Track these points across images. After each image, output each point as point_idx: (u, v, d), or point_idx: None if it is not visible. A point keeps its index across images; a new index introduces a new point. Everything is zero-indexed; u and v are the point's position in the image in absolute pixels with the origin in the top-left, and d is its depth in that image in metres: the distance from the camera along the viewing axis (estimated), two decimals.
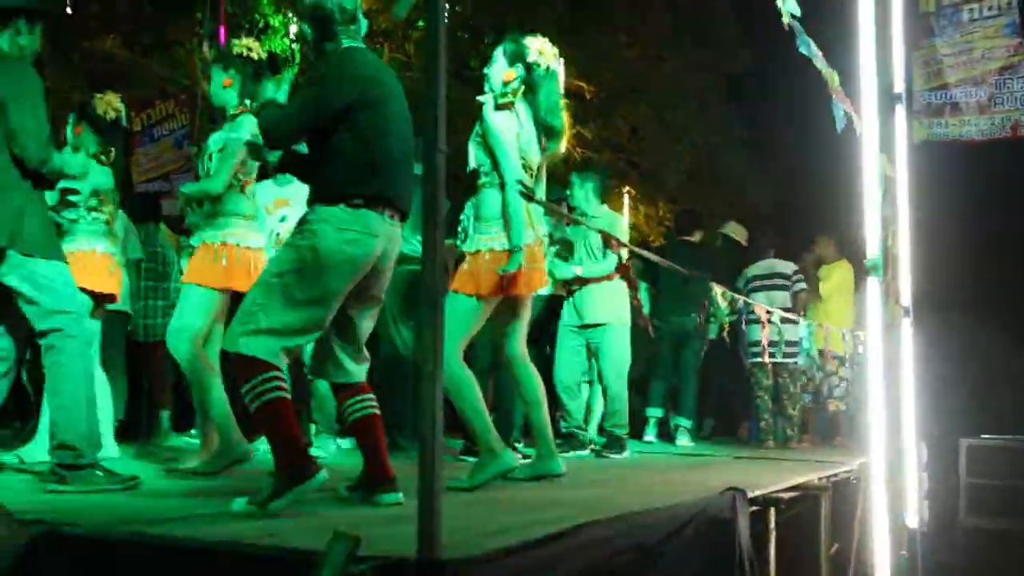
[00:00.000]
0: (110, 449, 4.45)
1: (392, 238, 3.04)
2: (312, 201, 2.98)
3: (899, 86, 4.75)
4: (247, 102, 4.13)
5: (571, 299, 5.77)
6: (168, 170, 10.09)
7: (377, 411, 3.14)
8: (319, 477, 2.78)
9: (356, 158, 2.93)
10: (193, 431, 6.51)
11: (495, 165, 3.77)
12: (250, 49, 4.26)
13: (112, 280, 4.52)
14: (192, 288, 4.13)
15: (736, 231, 7.88)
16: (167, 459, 4.72)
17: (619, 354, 5.72)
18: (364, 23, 3.11)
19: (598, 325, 5.69)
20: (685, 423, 6.86)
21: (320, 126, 2.94)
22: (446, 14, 1.90)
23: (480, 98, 3.88)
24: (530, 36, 3.94)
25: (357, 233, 2.90)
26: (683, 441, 6.73)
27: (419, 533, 1.83)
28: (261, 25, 10.04)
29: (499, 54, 3.93)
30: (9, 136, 3.29)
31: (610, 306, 5.72)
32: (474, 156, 3.85)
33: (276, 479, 2.77)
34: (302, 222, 2.97)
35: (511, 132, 3.77)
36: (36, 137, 3.31)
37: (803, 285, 7.08)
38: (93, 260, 4.42)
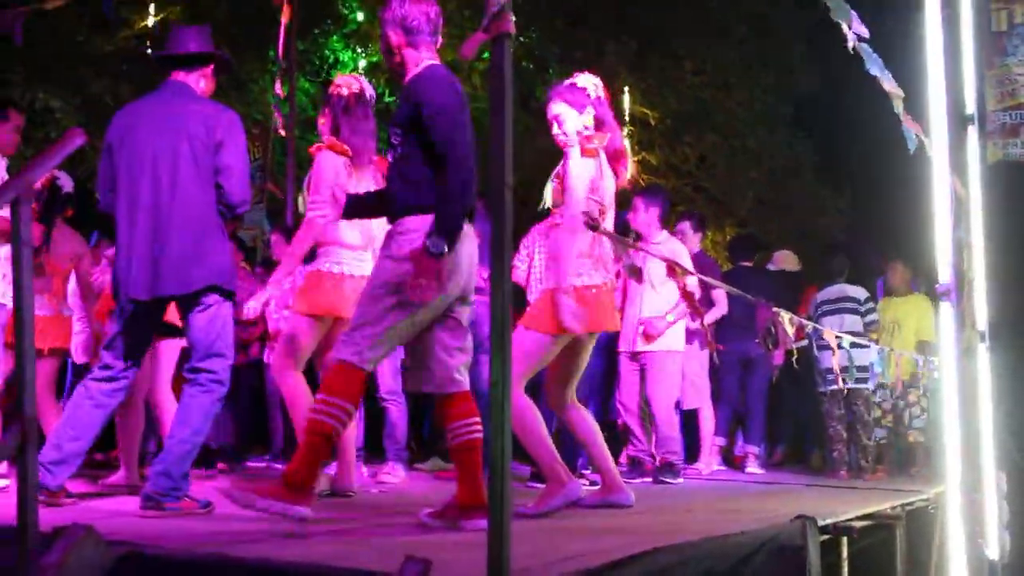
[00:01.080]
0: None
1: (474, 242, 3.21)
2: (397, 215, 3.11)
3: (971, 107, 4.67)
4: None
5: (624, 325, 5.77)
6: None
7: (480, 436, 3.19)
8: (300, 510, 2.90)
9: (436, 179, 3.05)
10: (268, 456, 6.69)
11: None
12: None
13: None
14: (298, 317, 4.26)
15: (786, 260, 7.78)
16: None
17: (668, 380, 5.73)
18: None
19: (648, 351, 5.71)
20: (754, 450, 6.78)
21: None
22: (512, 47, 1.96)
23: (569, 150, 3.86)
24: (574, 79, 3.95)
25: (457, 245, 3.04)
26: (753, 468, 6.65)
27: (489, 559, 1.87)
28: (332, 61, 10.32)
29: (563, 108, 3.89)
30: (222, 175, 3.50)
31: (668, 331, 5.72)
32: (549, 196, 3.89)
33: (277, 482, 2.93)
34: (391, 235, 3.11)
35: (587, 178, 3.79)
36: (242, 178, 3.53)
37: (875, 316, 6.88)
38: None
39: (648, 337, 5.69)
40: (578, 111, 3.87)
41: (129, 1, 9.03)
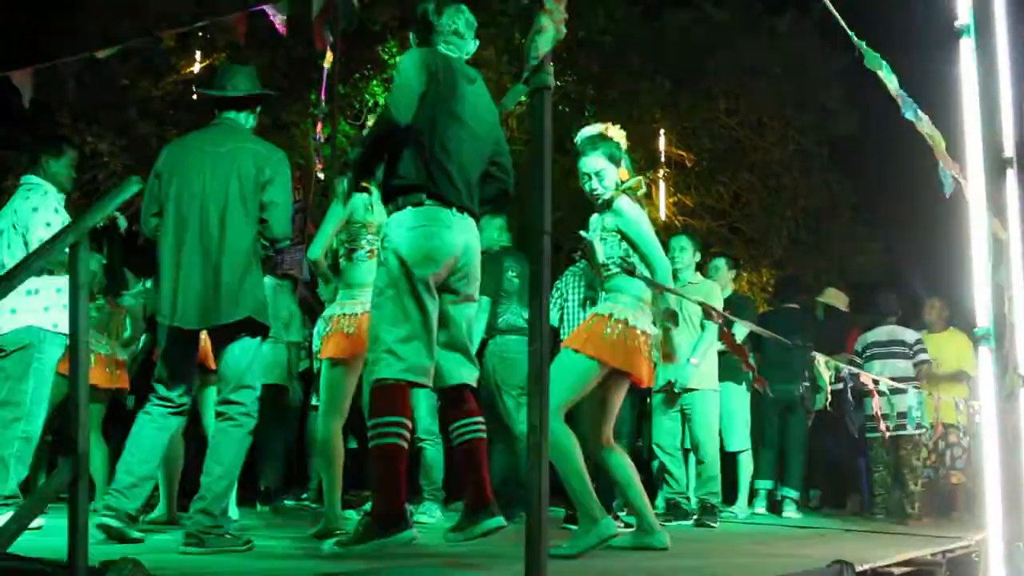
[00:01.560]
0: (232, 511, 4.66)
1: (470, 231, 3.23)
2: (388, 215, 3.23)
3: (1009, 150, 4.67)
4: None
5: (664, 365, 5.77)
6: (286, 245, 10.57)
7: (484, 435, 3.22)
8: (406, 534, 2.89)
9: (416, 163, 3.15)
10: (304, 496, 6.74)
11: (640, 259, 3.79)
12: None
13: None
14: (327, 364, 4.29)
15: (836, 298, 7.73)
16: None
17: (711, 420, 5.74)
18: (472, 45, 3.40)
19: (690, 391, 5.71)
20: (792, 494, 6.72)
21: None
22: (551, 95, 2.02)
23: (610, 195, 3.85)
24: (603, 132, 3.98)
25: (429, 227, 3.11)
26: (790, 512, 6.58)
27: None
28: (371, 105, 10.51)
29: (592, 163, 3.89)
30: (268, 212, 3.62)
31: (700, 372, 5.74)
32: (602, 252, 3.83)
33: (367, 524, 2.89)
34: (382, 237, 3.22)
35: (647, 223, 3.83)
36: (286, 214, 3.67)
37: (926, 356, 6.80)
38: None
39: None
40: (616, 164, 3.93)
41: (176, 48, 9.28)
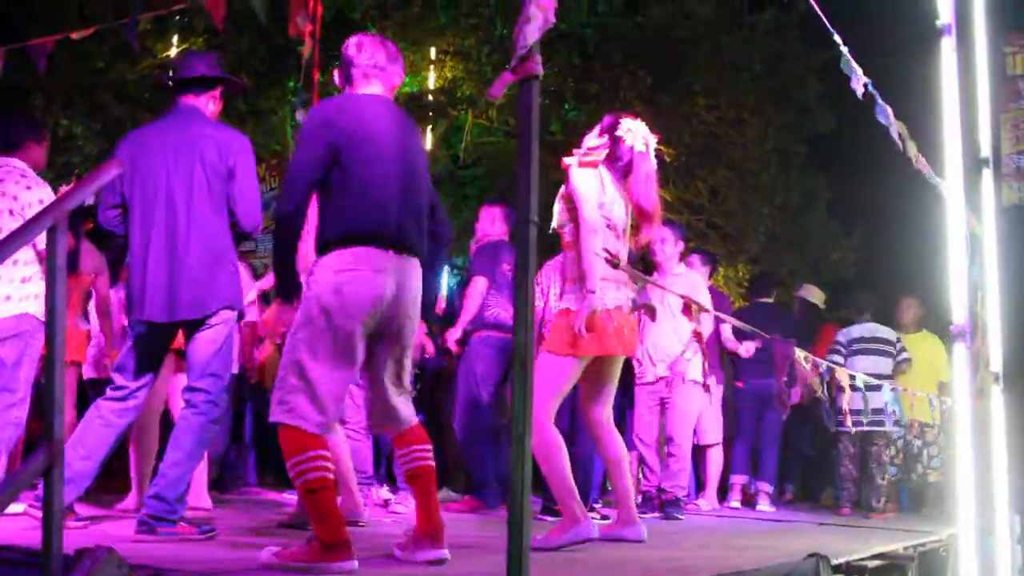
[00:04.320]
0: (203, 501, 4.61)
1: (406, 273, 2.99)
2: (316, 252, 3.02)
3: (986, 150, 4.71)
4: None
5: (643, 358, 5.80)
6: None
7: (431, 463, 3.12)
8: (346, 565, 2.76)
9: (344, 202, 2.94)
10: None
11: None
12: None
13: None
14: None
15: (814, 294, 7.80)
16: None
17: (690, 413, 5.80)
18: (396, 77, 3.19)
19: (667, 384, 5.76)
20: (766, 488, 6.77)
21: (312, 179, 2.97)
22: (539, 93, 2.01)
23: (566, 160, 3.96)
24: (628, 118, 4.06)
25: (356, 271, 2.89)
26: (764, 506, 6.64)
27: None
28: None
29: (596, 129, 4.07)
30: (235, 200, 3.56)
31: (687, 365, 5.76)
32: (557, 215, 3.93)
33: (308, 548, 2.79)
34: (309, 276, 3.01)
35: (591, 190, 3.84)
36: (257, 203, 3.60)
37: (907, 355, 6.85)
38: None
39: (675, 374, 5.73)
40: (597, 133, 4.00)
41: (153, 32, 9.17)
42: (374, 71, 3.15)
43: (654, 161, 4.04)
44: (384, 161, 3.00)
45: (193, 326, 3.56)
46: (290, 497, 5.52)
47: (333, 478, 2.91)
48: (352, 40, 3.24)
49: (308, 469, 2.84)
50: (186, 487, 3.53)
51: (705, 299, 5.88)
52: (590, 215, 3.79)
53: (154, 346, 3.62)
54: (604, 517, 4.67)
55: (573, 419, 4.88)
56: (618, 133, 3.97)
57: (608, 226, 3.88)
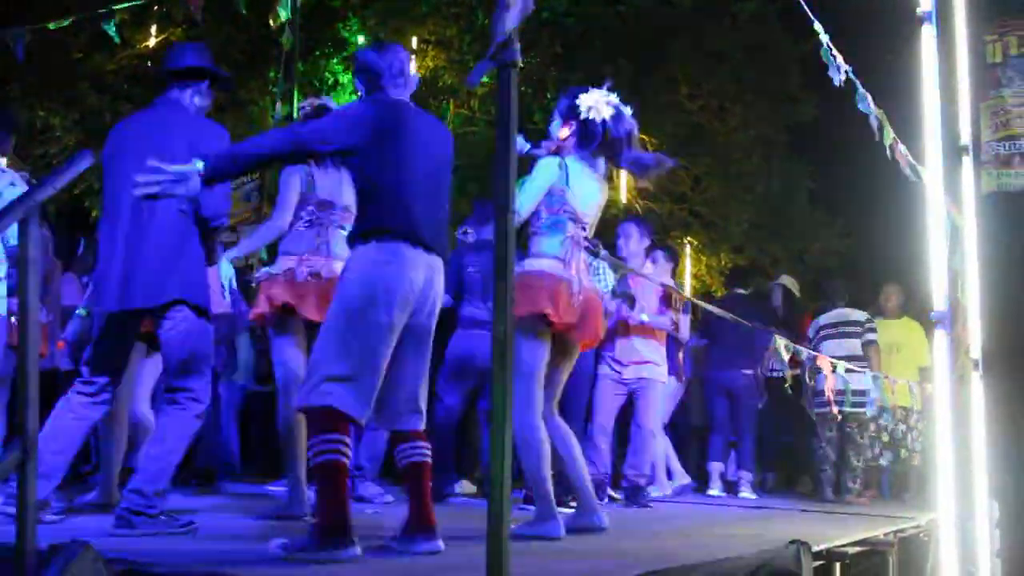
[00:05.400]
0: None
1: (434, 269, 3.11)
2: (349, 246, 3.11)
3: (966, 137, 4.73)
4: None
5: (613, 348, 5.79)
6: (236, 221, 10.41)
7: (428, 459, 3.15)
8: (350, 552, 2.79)
9: (380, 201, 3.05)
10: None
11: (540, 211, 3.80)
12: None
13: None
14: None
15: (791, 284, 7.83)
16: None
17: (657, 406, 5.83)
18: (414, 80, 3.30)
19: (639, 377, 5.76)
20: (747, 476, 6.81)
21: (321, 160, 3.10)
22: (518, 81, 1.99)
23: (535, 151, 3.91)
24: (585, 93, 3.94)
25: (393, 264, 2.98)
26: (745, 493, 6.68)
27: None
28: (331, 83, 10.39)
29: (556, 112, 4.01)
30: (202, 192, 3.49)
31: (650, 358, 5.79)
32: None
33: (312, 536, 2.81)
34: (344, 268, 3.09)
35: (544, 180, 3.78)
36: (224, 194, 3.54)
37: (874, 336, 6.90)
38: None
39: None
40: (560, 120, 3.93)
41: (131, 22, 9.08)
42: (400, 78, 3.24)
43: (629, 114, 3.96)
44: (417, 164, 3.10)
45: (157, 321, 3.49)
46: (274, 489, 5.50)
47: (348, 464, 2.92)
48: (370, 49, 3.32)
49: (327, 450, 2.87)
50: (167, 482, 3.50)
51: (654, 301, 5.91)
52: (525, 201, 3.75)
53: (116, 338, 3.56)
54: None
55: None
56: (582, 117, 3.88)
57: (572, 219, 3.83)
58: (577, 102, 3.90)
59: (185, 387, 3.49)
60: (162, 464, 3.44)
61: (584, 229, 3.90)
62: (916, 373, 7.01)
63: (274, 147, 3.09)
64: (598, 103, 3.90)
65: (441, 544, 3.01)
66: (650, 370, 5.76)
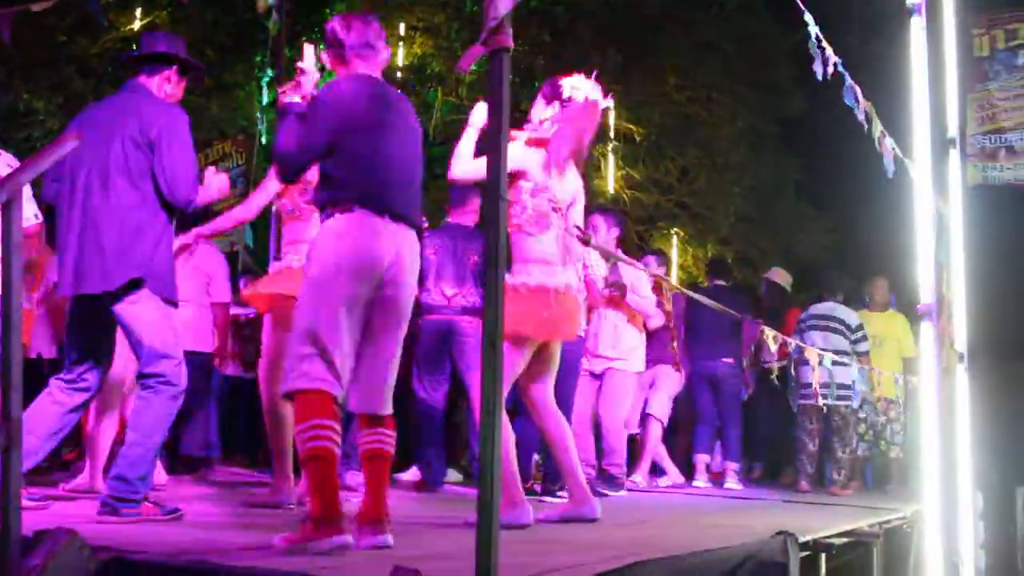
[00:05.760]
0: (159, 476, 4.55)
1: (402, 241, 3.04)
2: (321, 221, 3.07)
3: (953, 130, 4.74)
4: None
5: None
6: (222, 207, 10.35)
7: (390, 450, 3.08)
8: (343, 539, 2.76)
9: (342, 170, 3.00)
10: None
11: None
12: None
13: None
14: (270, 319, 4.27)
15: (782, 276, 7.85)
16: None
17: (624, 397, 5.84)
18: (384, 52, 3.22)
19: (609, 368, 5.78)
20: (733, 465, 6.83)
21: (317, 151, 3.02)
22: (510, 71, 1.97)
23: (514, 133, 3.84)
24: (565, 78, 3.94)
25: (356, 235, 2.94)
26: (732, 483, 6.70)
27: (477, 571, 1.87)
28: (319, 68, 10.30)
29: (539, 97, 3.99)
30: (158, 174, 3.45)
31: (618, 344, 5.80)
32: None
33: (303, 527, 2.79)
34: (310, 244, 3.06)
35: (514, 164, 3.72)
36: (184, 177, 3.48)
37: (866, 347, 6.80)
38: None
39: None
40: (545, 103, 3.91)
41: (116, 5, 8.99)
42: (366, 51, 3.17)
43: (611, 113, 3.98)
44: (381, 136, 3.06)
45: (117, 309, 3.45)
46: (260, 477, 5.50)
47: (337, 452, 2.89)
48: (337, 21, 3.23)
49: (315, 436, 2.84)
50: (149, 467, 3.47)
51: (647, 290, 5.92)
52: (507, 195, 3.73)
53: (85, 324, 3.54)
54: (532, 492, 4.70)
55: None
56: (566, 96, 3.87)
57: (555, 209, 3.81)
58: (561, 84, 3.91)
59: (155, 372, 3.45)
60: (142, 449, 3.42)
61: (564, 218, 3.87)
62: (899, 364, 7.05)
63: (286, 176, 3.11)
64: (582, 87, 3.90)
65: (390, 539, 2.91)
66: (622, 362, 5.78)
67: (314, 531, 2.74)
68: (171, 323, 3.53)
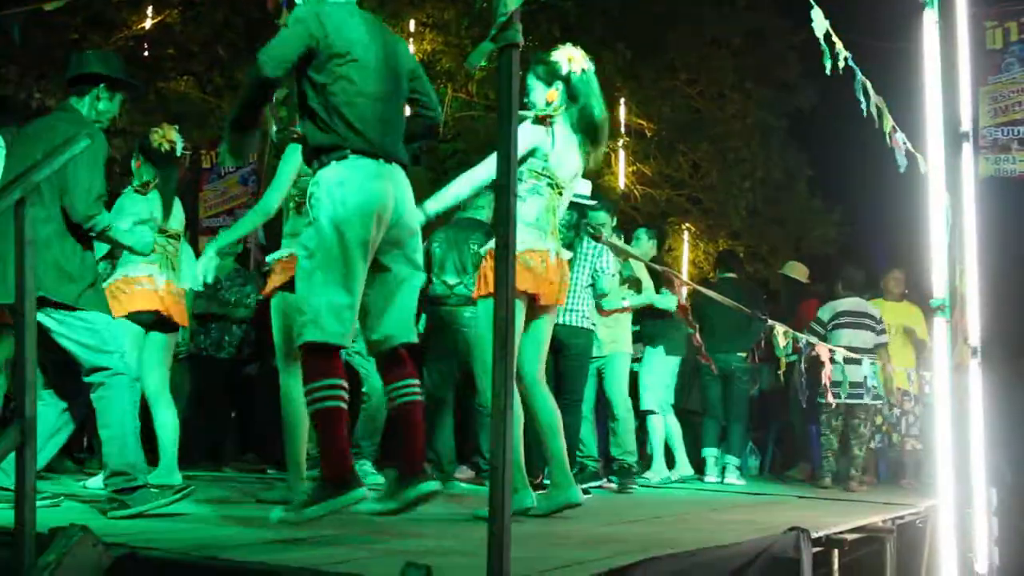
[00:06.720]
0: (175, 476, 4.57)
1: (398, 182, 3.08)
2: (312, 173, 3.08)
3: (966, 124, 4.71)
4: None
5: None
6: (233, 205, 10.37)
7: (421, 399, 3.14)
8: (357, 492, 2.82)
9: (331, 115, 3.01)
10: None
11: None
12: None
13: (177, 307, 4.73)
14: (275, 303, 4.25)
15: (796, 270, 7.81)
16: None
17: (622, 381, 5.88)
18: None
19: (608, 354, 5.79)
20: (733, 461, 6.79)
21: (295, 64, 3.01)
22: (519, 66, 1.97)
23: (522, 113, 3.76)
24: (554, 51, 3.87)
25: (357, 181, 2.97)
26: (731, 479, 6.65)
27: (489, 566, 1.88)
28: None
29: (533, 80, 3.87)
30: (62, 190, 3.47)
31: (619, 335, 5.82)
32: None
33: (317, 486, 2.84)
34: (309, 196, 3.06)
35: (525, 145, 3.69)
36: (85, 196, 3.48)
37: (887, 338, 6.81)
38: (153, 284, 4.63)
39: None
40: (545, 83, 3.83)
41: (128, 3, 9.02)
42: None
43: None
44: (366, 71, 3.06)
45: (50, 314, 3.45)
46: (274, 474, 5.51)
47: (345, 409, 2.92)
48: None
49: (326, 396, 2.88)
50: (135, 452, 3.47)
51: (646, 276, 5.92)
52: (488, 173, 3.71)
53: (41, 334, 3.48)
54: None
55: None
56: (564, 72, 3.79)
57: (551, 186, 3.76)
58: (555, 62, 3.82)
59: (100, 366, 3.46)
60: (119, 441, 3.44)
61: (561, 195, 3.83)
62: (912, 355, 7.01)
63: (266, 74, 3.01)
64: (574, 55, 3.82)
65: (437, 484, 3.00)
66: (613, 346, 5.83)
67: (331, 491, 2.78)
68: (100, 324, 3.50)
